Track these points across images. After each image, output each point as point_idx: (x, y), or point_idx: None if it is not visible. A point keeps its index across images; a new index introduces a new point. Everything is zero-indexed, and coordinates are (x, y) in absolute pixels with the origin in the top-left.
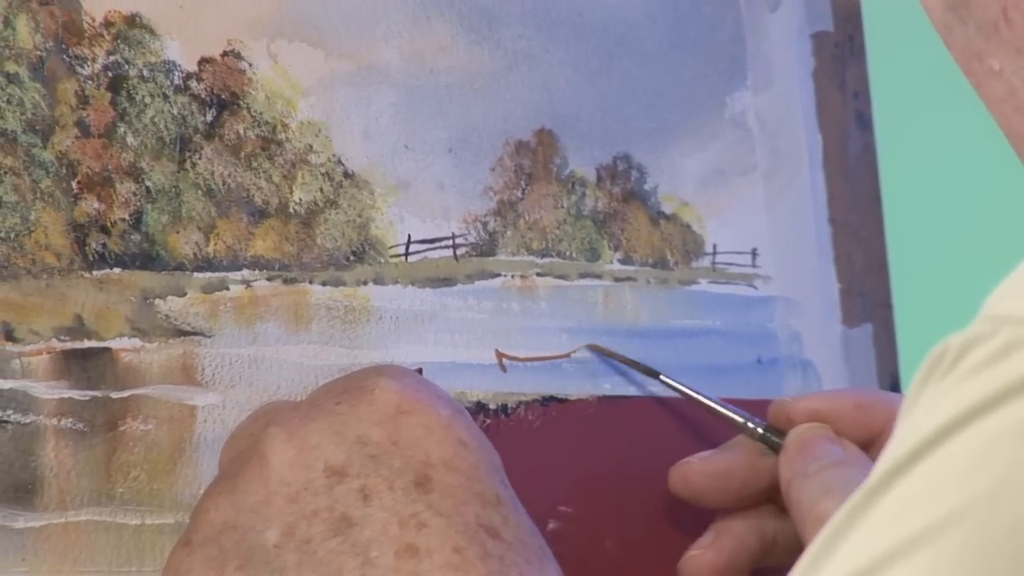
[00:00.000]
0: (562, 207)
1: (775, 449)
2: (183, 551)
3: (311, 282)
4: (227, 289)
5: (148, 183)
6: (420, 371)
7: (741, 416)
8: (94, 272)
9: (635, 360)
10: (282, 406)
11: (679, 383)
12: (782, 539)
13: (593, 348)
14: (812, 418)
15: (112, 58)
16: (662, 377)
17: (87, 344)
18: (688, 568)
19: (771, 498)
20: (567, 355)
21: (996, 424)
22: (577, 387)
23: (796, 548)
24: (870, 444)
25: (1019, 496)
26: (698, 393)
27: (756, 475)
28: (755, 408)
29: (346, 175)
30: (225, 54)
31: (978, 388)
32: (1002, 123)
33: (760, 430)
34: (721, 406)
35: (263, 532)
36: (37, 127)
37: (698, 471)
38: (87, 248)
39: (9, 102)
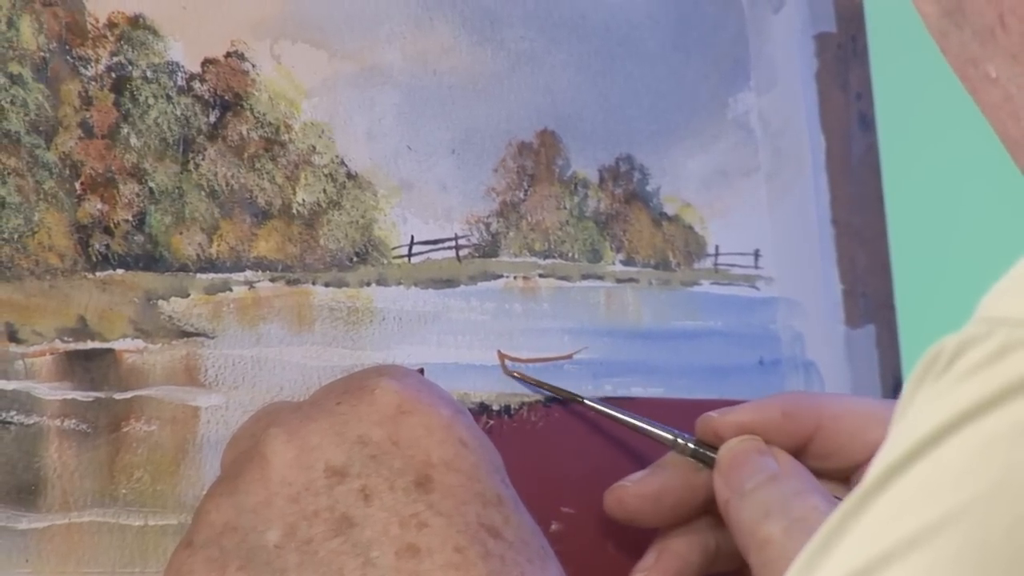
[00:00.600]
0: (564, 208)
1: (708, 464)
2: (184, 552)
3: (314, 283)
4: (230, 290)
5: (151, 184)
6: (422, 371)
7: (670, 434)
8: (97, 273)
9: (557, 385)
10: (283, 407)
11: (602, 405)
12: (724, 547)
13: (517, 375)
14: (740, 431)
15: (115, 59)
16: (585, 401)
17: (90, 345)
18: None
19: (709, 510)
20: (569, 356)
21: (992, 426)
22: (579, 388)
23: (739, 555)
24: (801, 450)
25: (1016, 497)
26: (623, 414)
27: (692, 492)
28: None
29: (349, 176)
30: (228, 55)
31: (973, 390)
32: (998, 129)
33: (691, 446)
34: (648, 425)
35: (264, 533)
36: (41, 128)
37: (632, 493)
38: (90, 249)
39: (13, 103)
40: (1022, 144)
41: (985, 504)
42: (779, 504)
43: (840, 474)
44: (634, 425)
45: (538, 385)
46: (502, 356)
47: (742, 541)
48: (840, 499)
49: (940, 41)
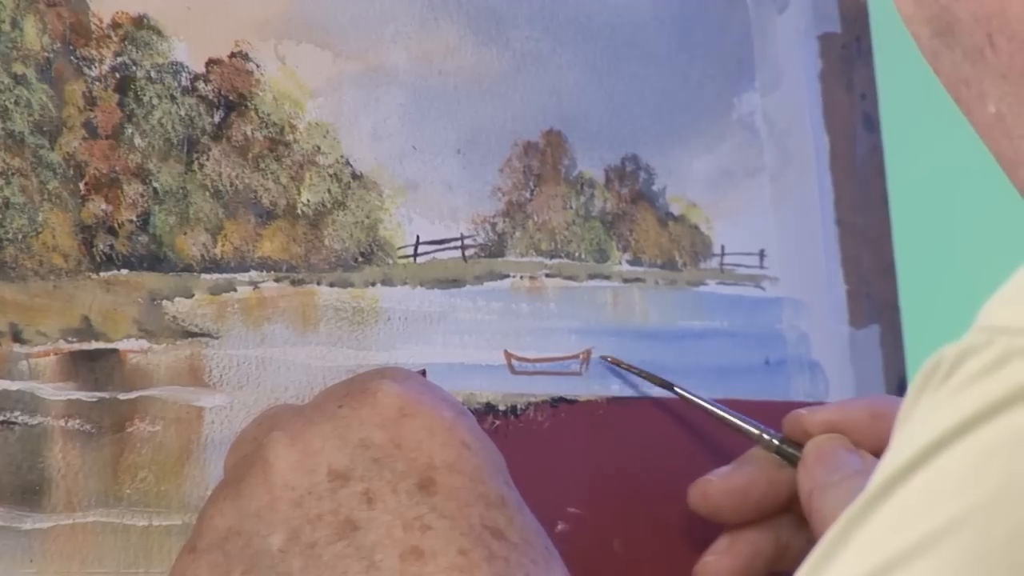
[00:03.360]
0: (571, 208)
1: (791, 461)
2: (188, 557)
3: (319, 283)
4: (235, 290)
5: (155, 184)
6: (424, 373)
7: (756, 428)
8: (101, 273)
9: (650, 372)
10: (285, 410)
11: (694, 395)
12: (796, 545)
13: (608, 360)
14: (828, 429)
15: (120, 59)
16: (676, 389)
17: (94, 345)
18: (704, 573)
19: (787, 508)
20: (576, 356)
21: (992, 434)
22: (586, 388)
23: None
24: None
25: (1016, 505)
26: (713, 405)
27: (775, 488)
28: (764, 409)
29: (354, 176)
30: (233, 55)
31: (974, 399)
32: (992, 148)
33: (776, 442)
34: (736, 418)
35: (268, 537)
36: (45, 128)
37: (718, 488)
38: (94, 249)
39: (17, 103)
40: (1016, 163)
41: (986, 512)
42: None
43: None
44: (721, 417)
45: (632, 371)
46: (509, 356)
47: (823, 529)
48: None
49: (932, 62)
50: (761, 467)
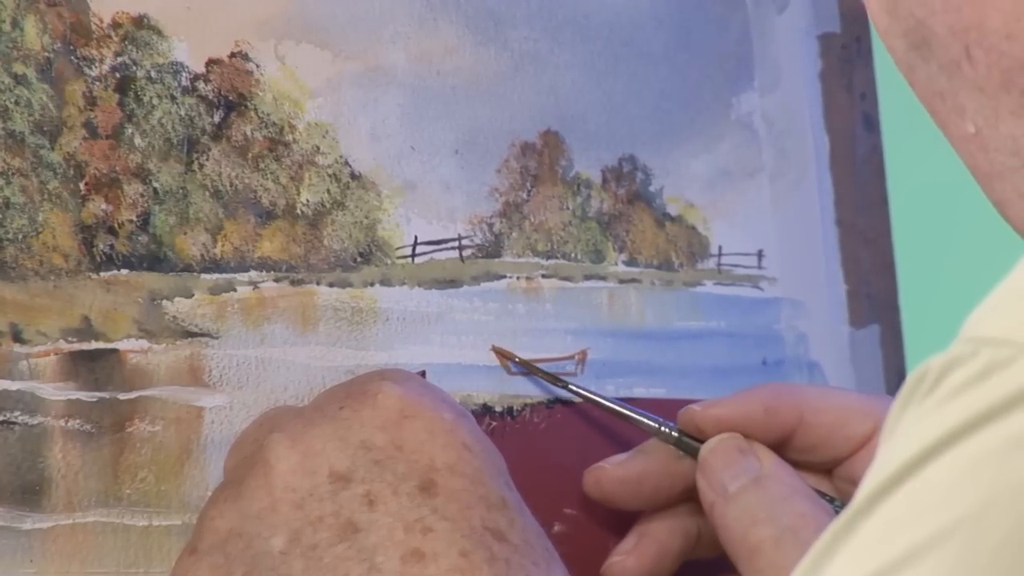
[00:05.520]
0: (567, 209)
1: (691, 454)
2: (189, 559)
3: (318, 283)
4: (234, 290)
5: (155, 184)
6: (423, 374)
7: (654, 421)
8: (101, 273)
9: (542, 369)
10: (286, 412)
11: (588, 391)
12: (706, 534)
13: (498, 351)
14: (721, 427)
15: (120, 59)
16: (570, 386)
17: (95, 345)
18: (610, 574)
19: (691, 497)
20: (572, 357)
21: (978, 445)
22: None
23: (720, 542)
24: (783, 444)
25: (1003, 516)
26: (608, 400)
27: (672, 479)
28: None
29: (353, 176)
30: (233, 55)
31: (960, 410)
32: (967, 161)
33: (674, 435)
34: (633, 412)
35: (269, 539)
36: (45, 128)
37: (611, 476)
38: (95, 249)
39: (17, 103)
40: (991, 175)
41: (974, 523)
42: (766, 510)
43: (822, 467)
44: (618, 412)
45: (528, 367)
46: (503, 357)
47: (730, 546)
48: (824, 495)
49: (908, 75)
50: (657, 457)
